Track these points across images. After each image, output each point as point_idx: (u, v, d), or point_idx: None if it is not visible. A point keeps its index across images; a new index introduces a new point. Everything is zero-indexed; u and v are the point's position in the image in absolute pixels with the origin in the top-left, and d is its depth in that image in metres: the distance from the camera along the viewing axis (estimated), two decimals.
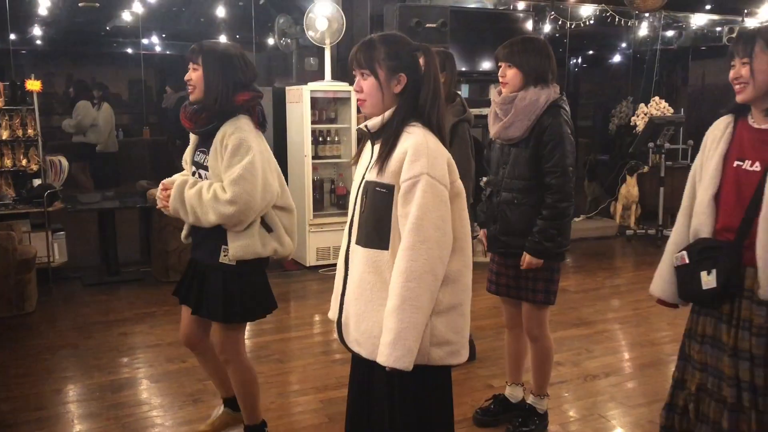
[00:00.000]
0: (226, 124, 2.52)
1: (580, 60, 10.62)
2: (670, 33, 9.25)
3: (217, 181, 2.54)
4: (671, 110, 7.97)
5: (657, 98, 8.10)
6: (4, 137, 5.46)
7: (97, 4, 6.92)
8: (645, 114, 7.91)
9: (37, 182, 5.58)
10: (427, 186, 1.79)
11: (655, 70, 8.63)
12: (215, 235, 2.56)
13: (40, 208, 5.36)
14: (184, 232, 2.80)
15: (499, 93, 2.90)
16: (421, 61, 1.89)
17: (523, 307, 3.01)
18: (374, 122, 1.90)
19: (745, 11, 8.41)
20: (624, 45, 9.53)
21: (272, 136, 6.42)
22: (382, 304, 1.83)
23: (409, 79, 1.88)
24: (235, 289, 2.59)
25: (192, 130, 2.65)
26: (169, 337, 4.35)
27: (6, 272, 4.77)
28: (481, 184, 3.93)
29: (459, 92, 3.98)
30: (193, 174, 2.69)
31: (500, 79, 2.87)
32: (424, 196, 1.78)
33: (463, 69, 6.62)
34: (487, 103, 6.77)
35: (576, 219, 8.00)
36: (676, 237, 2.31)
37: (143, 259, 6.21)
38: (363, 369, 1.98)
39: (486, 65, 6.77)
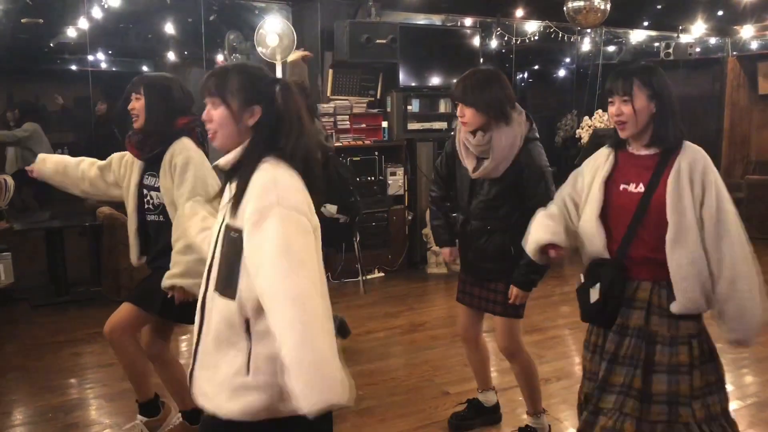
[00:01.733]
0: (172, 146, 2.75)
1: (526, 75, 10.91)
2: (611, 48, 9.61)
3: (168, 199, 2.75)
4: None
5: (600, 111, 8.36)
6: None
7: (41, 20, 6.80)
8: (589, 126, 8.17)
9: None
10: (283, 215, 1.59)
11: (597, 84, 8.94)
12: (165, 246, 2.75)
13: None
14: (133, 255, 2.96)
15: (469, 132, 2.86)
16: (279, 94, 1.74)
17: (496, 323, 3.02)
18: (226, 160, 1.74)
19: (680, 28, 8.82)
20: (568, 60, 9.86)
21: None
22: (234, 356, 1.66)
23: (264, 111, 1.73)
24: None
25: (140, 158, 2.85)
26: None
27: None
28: (323, 211, 3.78)
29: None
30: (144, 197, 2.87)
31: (459, 119, 2.84)
32: (282, 225, 1.58)
33: (413, 84, 6.76)
34: (437, 117, 6.94)
35: None
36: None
37: (93, 279, 6.08)
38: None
39: (435, 80, 6.91)
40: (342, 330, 4.10)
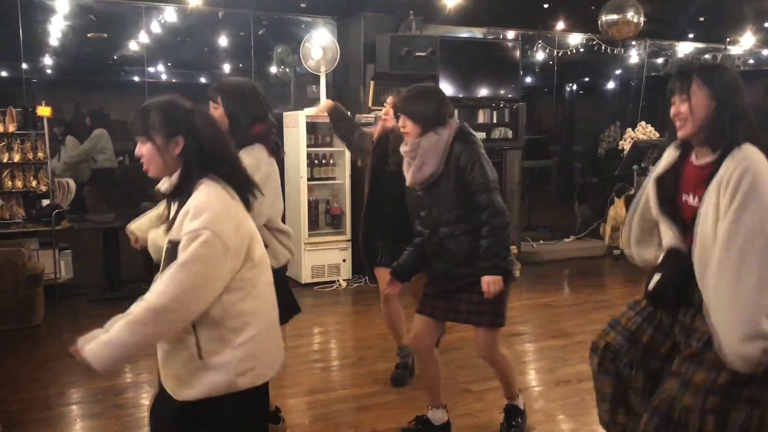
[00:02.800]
0: (243, 153, 2.73)
1: (572, 87, 10.95)
2: (659, 60, 9.58)
3: None
4: (657, 134, 8.26)
5: (643, 123, 8.39)
6: (15, 160, 5.78)
7: (105, 35, 7.28)
8: (632, 138, 8.19)
9: (45, 202, 5.87)
10: (209, 239, 1.82)
11: (641, 96, 8.93)
12: None
13: (48, 227, 5.65)
14: None
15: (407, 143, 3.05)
16: (197, 122, 1.95)
17: (478, 334, 3.13)
18: (166, 186, 1.98)
19: (728, 39, 8.74)
20: (612, 72, 9.86)
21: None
22: (182, 348, 1.91)
23: (187, 140, 1.93)
24: None
25: None
26: None
27: (15, 287, 5.04)
28: None
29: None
30: None
31: (402, 129, 3.03)
32: (202, 246, 1.82)
33: (453, 95, 6.94)
34: (476, 128, 7.09)
35: (566, 240, 8.26)
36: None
37: (145, 277, 6.46)
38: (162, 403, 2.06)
39: (475, 91, 7.08)
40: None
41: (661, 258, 2.28)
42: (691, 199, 2.17)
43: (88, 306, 5.78)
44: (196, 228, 1.83)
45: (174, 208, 1.98)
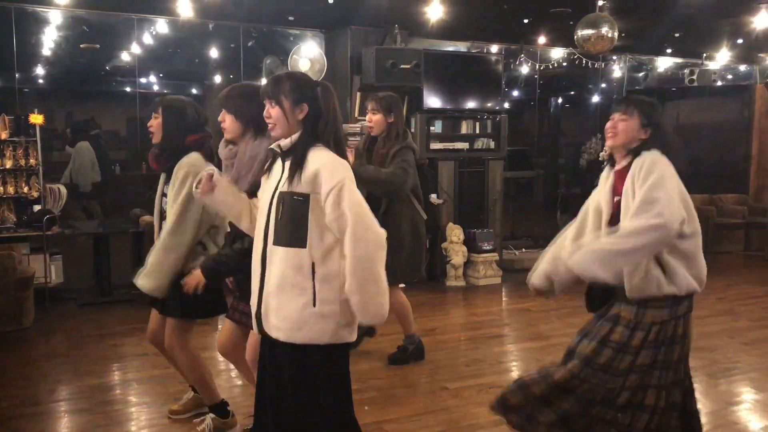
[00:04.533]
0: (182, 159, 3.09)
1: (555, 100, 11.19)
2: (638, 74, 9.83)
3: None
4: None
5: None
6: (8, 166, 5.91)
7: (98, 46, 7.42)
8: None
9: (37, 208, 6.00)
10: (352, 187, 2.18)
11: None
12: None
13: (39, 232, 5.77)
14: None
15: (226, 142, 2.93)
16: (321, 94, 2.25)
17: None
18: (285, 143, 2.25)
19: (704, 55, 9.01)
20: (592, 86, 10.11)
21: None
22: (300, 294, 2.18)
23: (310, 108, 2.23)
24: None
25: (159, 170, 3.25)
26: (155, 348, 4.71)
27: (6, 289, 5.14)
28: (431, 199, 4.47)
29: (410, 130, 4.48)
30: (165, 205, 3.20)
31: (221, 124, 2.86)
32: (353, 196, 2.17)
33: (437, 106, 7.14)
34: (459, 138, 7.29)
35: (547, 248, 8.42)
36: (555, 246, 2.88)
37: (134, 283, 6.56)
38: (275, 354, 2.29)
39: (458, 103, 7.28)
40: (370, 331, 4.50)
41: None
42: (617, 198, 2.61)
43: (77, 310, 5.89)
44: (339, 179, 2.16)
45: (287, 164, 2.24)
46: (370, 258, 2.16)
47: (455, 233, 6.88)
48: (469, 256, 6.96)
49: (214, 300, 3.20)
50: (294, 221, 2.19)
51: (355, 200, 2.17)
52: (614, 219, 2.59)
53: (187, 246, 3.05)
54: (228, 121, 2.82)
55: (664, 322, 2.51)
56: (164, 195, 3.20)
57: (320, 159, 2.20)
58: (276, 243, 2.22)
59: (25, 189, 6.01)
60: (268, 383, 2.33)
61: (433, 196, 4.55)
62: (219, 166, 3.13)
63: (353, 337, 2.28)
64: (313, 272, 2.18)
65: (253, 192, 2.57)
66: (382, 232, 2.20)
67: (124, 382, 4.17)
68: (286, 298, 2.20)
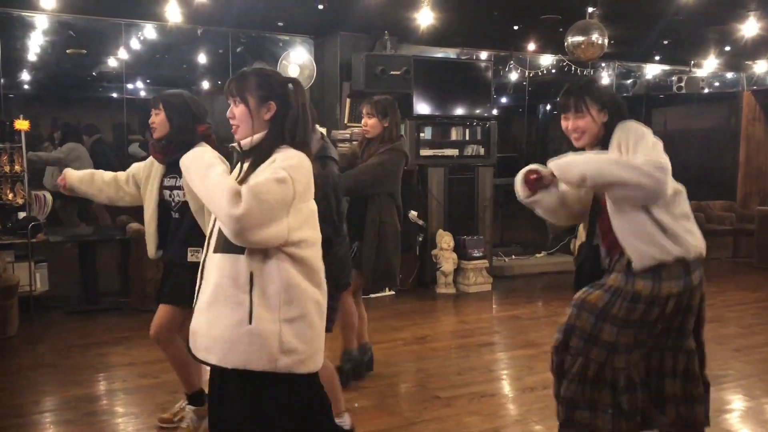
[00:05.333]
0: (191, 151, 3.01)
1: (547, 107, 11.21)
2: (626, 81, 9.88)
3: (190, 195, 3.10)
4: None
5: None
6: None
7: (84, 51, 7.35)
8: None
9: (22, 215, 5.91)
10: (278, 171, 1.92)
11: None
12: (183, 239, 3.13)
13: (24, 240, 5.69)
14: (152, 249, 3.31)
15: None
16: (292, 92, 2.07)
17: None
18: (246, 141, 2.06)
19: (692, 62, 9.06)
20: None
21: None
22: (234, 308, 1.93)
23: (278, 107, 2.05)
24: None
25: (163, 162, 3.23)
26: (144, 357, 4.65)
27: None
28: (410, 216, 4.40)
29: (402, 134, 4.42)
30: (169, 196, 3.24)
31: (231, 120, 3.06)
32: (273, 173, 1.92)
33: (426, 113, 7.12)
34: (448, 144, 7.27)
35: (538, 255, 8.43)
36: None
37: (122, 290, 6.50)
38: (217, 376, 2.10)
39: (448, 110, 7.27)
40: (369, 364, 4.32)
41: (575, 254, 2.76)
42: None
43: (64, 318, 5.80)
44: (278, 167, 1.94)
45: (246, 166, 2.05)
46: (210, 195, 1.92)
47: (445, 240, 6.86)
48: (459, 263, 6.94)
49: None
50: None
51: (264, 179, 1.91)
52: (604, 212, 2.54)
53: None
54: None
55: (680, 294, 2.47)
56: (164, 188, 3.23)
57: (279, 154, 2.01)
58: (215, 250, 2.02)
59: (10, 196, 5.92)
60: (218, 415, 2.13)
61: (414, 213, 4.47)
62: (225, 155, 3.09)
63: (300, 369, 1.99)
64: (251, 284, 1.94)
65: None
66: (243, 210, 1.84)
67: (110, 392, 4.10)
68: (218, 313, 1.96)
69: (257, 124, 2.05)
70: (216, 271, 1.99)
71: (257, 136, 2.05)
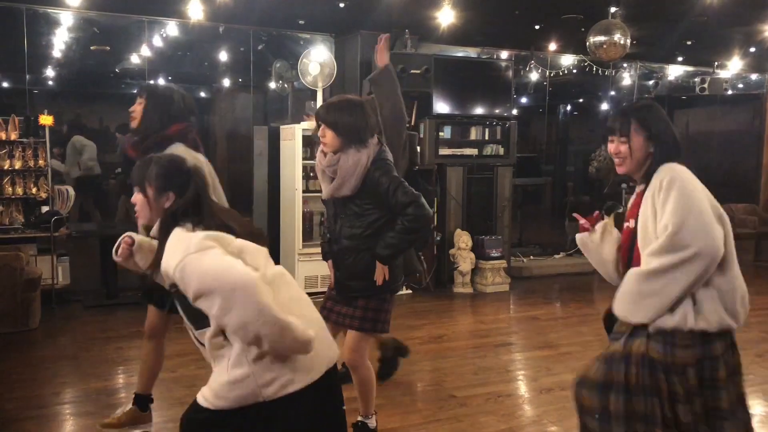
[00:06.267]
0: (163, 152, 2.92)
1: (565, 108, 11.14)
2: (648, 82, 9.79)
3: None
4: None
5: None
6: (16, 167, 5.90)
7: (108, 48, 7.44)
8: None
9: (45, 209, 5.99)
10: (192, 262, 1.92)
11: None
12: None
13: (46, 234, 5.77)
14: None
15: (324, 154, 3.03)
16: (192, 182, 2.11)
17: (348, 336, 3.17)
18: (153, 232, 2.17)
19: (716, 63, 8.95)
20: (603, 93, 10.07)
21: (267, 170, 6.89)
22: (226, 360, 2.04)
23: (177, 197, 2.08)
24: None
25: (135, 157, 3.05)
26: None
27: (13, 290, 5.14)
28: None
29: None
30: None
31: (321, 139, 2.99)
32: (198, 268, 1.93)
33: (446, 112, 7.10)
34: (467, 144, 7.25)
35: (556, 256, 8.38)
36: None
37: (141, 285, 6.55)
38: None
39: (468, 109, 7.25)
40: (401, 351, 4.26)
41: None
42: (631, 224, 2.34)
43: (83, 312, 5.87)
44: (179, 261, 1.93)
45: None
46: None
47: (463, 240, 6.84)
48: (477, 263, 6.92)
49: None
50: (189, 310, 2.07)
51: (200, 274, 1.93)
52: (625, 249, 2.37)
53: None
54: (328, 137, 2.92)
55: (698, 362, 2.20)
56: None
57: (168, 244, 2.03)
58: (194, 329, 2.13)
59: (34, 190, 6.01)
60: None
61: None
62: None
63: (290, 389, 2.01)
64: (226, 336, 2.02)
65: (354, 196, 2.94)
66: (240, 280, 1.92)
67: (129, 386, 4.12)
68: (215, 372, 2.08)
69: (155, 212, 2.12)
70: (205, 340, 2.08)
71: (156, 225, 2.12)
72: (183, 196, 2.08)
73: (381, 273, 3.03)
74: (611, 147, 2.35)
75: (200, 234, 2.00)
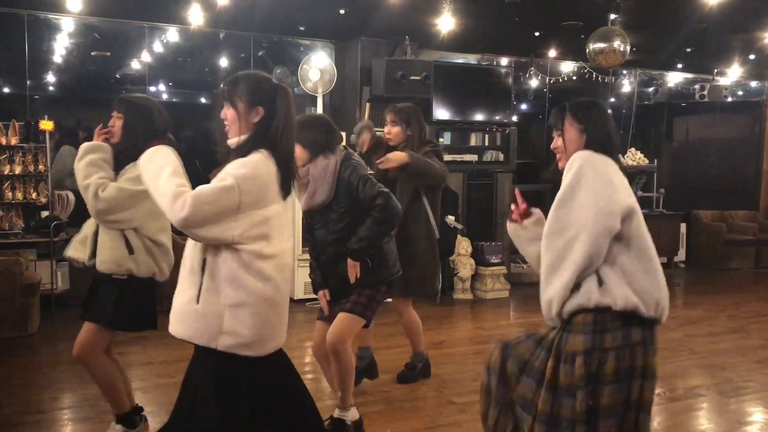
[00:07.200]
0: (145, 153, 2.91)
1: None
2: (648, 89, 9.81)
3: None
4: (646, 160, 8.44)
5: (633, 149, 8.58)
6: (17, 172, 5.91)
7: (108, 53, 7.45)
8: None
9: (44, 214, 5.99)
10: (226, 178, 2.06)
11: (632, 124, 9.14)
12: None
13: (46, 239, 5.76)
14: (87, 255, 3.16)
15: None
16: (278, 98, 2.19)
17: (337, 318, 3.29)
18: (232, 143, 2.21)
19: (716, 70, 8.97)
20: (602, 100, 10.09)
21: None
22: (189, 287, 2.16)
23: (266, 112, 2.18)
24: (124, 298, 3.02)
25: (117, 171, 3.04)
26: (161, 357, 4.69)
27: (12, 295, 5.14)
28: (447, 221, 4.43)
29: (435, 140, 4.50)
30: None
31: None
32: (221, 180, 2.07)
33: (447, 118, 7.12)
34: (468, 150, 7.25)
35: None
36: None
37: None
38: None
39: (468, 115, 7.26)
40: (370, 371, 4.27)
41: None
42: None
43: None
44: (229, 173, 2.07)
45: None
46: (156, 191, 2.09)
47: (463, 246, 6.84)
48: (477, 269, 6.92)
49: (149, 313, 3.17)
50: None
51: (210, 187, 2.06)
52: None
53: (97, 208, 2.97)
54: (298, 151, 3.01)
55: (587, 351, 2.16)
56: None
57: (240, 162, 2.13)
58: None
59: (33, 195, 6.02)
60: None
61: (451, 217, 4.49)
62: (189, 171, 3.00)
63: (242, 351, 2.14)
64: (203, 268, 2.14)
65: (331, 202, 3.16)
66: (186, 214, 2.00)
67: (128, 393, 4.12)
68: (180, 289, 2.21)
69: (244, 126, 2.19)
70: (188, 253, 2.21)
71: (243, 138, 2.19)
72: (270, 112, 2.18)
73: (353, 270, 3.19)
74: (553, 143, 2.42)
75: (262, 175, 2.12)
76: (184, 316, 2.17)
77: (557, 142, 2.40)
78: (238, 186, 2.06)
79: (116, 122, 2.99)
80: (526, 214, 2.49)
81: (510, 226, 2.54)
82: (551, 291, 2.23)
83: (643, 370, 2.19)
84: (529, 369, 2.32)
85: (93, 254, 3.08)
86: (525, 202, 2.49)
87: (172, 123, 3.15)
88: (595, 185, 2.18)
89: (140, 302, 3.12)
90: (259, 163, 2.13)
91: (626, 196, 2.22)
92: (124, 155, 2.98)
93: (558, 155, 2.40)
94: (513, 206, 2.52)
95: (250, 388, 2.19)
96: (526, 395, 2.30)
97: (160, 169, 2.14)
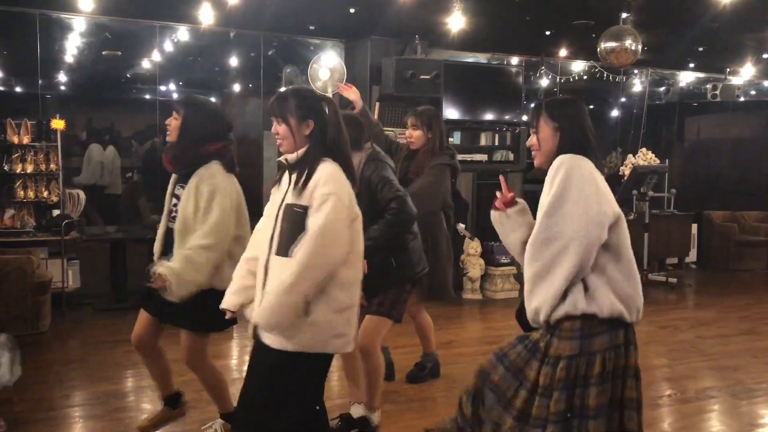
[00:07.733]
0: (199, 171, 2.91)
1: None
2: (659, 89, 9.75)
3: (181, 218, 2.91)
4: (657, 161, 8.38)
5: (644, 149, 8.52)
6: (29, 171, 5.95)
7: (119, 53, 7.48)
8: (632, 164, 8.31)
9: (56, 213, 6.03)
10: (336, 203, 2.23)
11: (643, 124, 9.08)
12: None
13: (57, 237, 5.79)
14: (156, 256, 3.14)
15: None
16: (326, 109, 2.34)
17: (364, 322, 3.27)
18: (291, 157, 2.34)
19: (728, 70, 8.90)
20: (614, 99, 10.04)
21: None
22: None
23: (316, 124, 2.32)
24: (202, 302, 2.92)
25: (173, 171, 3.05)
26: (171, 355, 4.65)
27: (24, 293, 5.16)
28: (458, 228, 4.42)
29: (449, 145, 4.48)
30: (174, 205, 3.03)
31: None
32: (333, 211, 2.22)
33: (456, 118, 7.10)
34: (477, 150, 7.23)
35: None
36: None
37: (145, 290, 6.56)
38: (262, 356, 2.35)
39: (478, 115, 7.24)
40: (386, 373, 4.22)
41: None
42: None
43: (93, 315, 5.89)
44: (328, 191, 2.22)
45: (294, 177, 2.32)
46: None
47: (472, 246, 6.82)
48: (487, 269, 6.90)
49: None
50: (291, 232, 2.25)
51: (330, 217, 2.21)
52: None
53: (220, 259, 2.92)
54: None
55: (573, 357, 2.18)
56: (174, 196, 3.02)
57: (321, 171, 2.27)
58: (277, 253, 2.29)
59: (45, 193, 6.05)
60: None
61: (462, 225, 4.50)
62: (240, 177, 3.01)
63: (348, 348, 2.35)
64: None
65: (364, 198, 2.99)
66: (335, 258, 2.23)
67: (138, 389, 4.15)
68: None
69: (299, 140, 2.32)
70: (277, 272, 2.25)
71: (301, 151, 2.32)
72: (320, 123, 2.32)
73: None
74: (528, 140, 2.45)
75: (346, 183, 2.31)
76: (294, 330, 2.22)
77: (532, 140, 2.43)
78: (338, 198, 2.24)
79: (173, 121, 3.00)
80: (511, 203, 2.47)
81: (494, 214, 2.52)
82: (539, 299, 2.25)
83: (624, 369, 2.25)
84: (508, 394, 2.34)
85: (164, 253, 3.07)
86: (510, 190, 2.49)
87: None
88: (584, 193, 2.19)
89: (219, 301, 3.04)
90: (336, 173, 2.28)
91: (612, 202, 2.25)
92: (183, 158, 2.96)
93: (533, 152, 2.43)
94: (498, 193, 2.50)
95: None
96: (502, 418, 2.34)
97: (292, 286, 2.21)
